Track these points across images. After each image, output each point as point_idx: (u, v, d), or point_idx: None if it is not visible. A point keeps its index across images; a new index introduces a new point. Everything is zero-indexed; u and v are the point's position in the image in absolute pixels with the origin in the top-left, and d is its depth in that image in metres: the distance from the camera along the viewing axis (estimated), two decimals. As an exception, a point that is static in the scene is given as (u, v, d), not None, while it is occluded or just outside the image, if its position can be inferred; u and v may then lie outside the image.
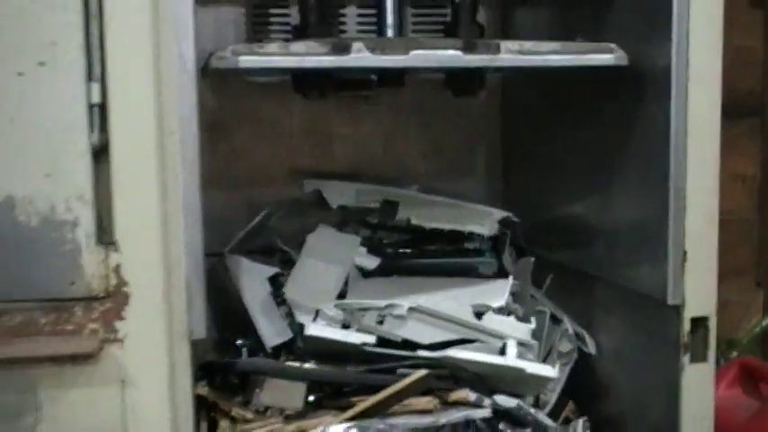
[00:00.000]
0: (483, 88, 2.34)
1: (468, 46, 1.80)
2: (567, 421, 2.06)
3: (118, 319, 1.53)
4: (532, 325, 2.02)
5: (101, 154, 1.50)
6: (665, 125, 1.74)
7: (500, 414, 1.93)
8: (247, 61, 1.68)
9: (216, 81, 2.24)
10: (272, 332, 2.04)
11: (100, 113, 1.48)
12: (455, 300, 2.03)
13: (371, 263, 2.14)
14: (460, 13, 2.24)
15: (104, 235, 1.52)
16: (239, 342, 2.05)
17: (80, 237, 1.51)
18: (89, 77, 1.47)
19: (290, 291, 2.05)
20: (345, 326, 1.98)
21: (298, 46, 1.76)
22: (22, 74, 1.46)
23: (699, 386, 1.80)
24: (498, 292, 2.07)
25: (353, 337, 1.93)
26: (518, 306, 2.08)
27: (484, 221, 2.22)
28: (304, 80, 2.23)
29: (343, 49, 1.72)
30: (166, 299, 1.56)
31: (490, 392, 1.93)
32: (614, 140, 1.94)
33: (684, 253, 1.76)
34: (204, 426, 1.85)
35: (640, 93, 1.82)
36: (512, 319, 2.02)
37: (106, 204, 1.52)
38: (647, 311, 1.88)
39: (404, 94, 2.40)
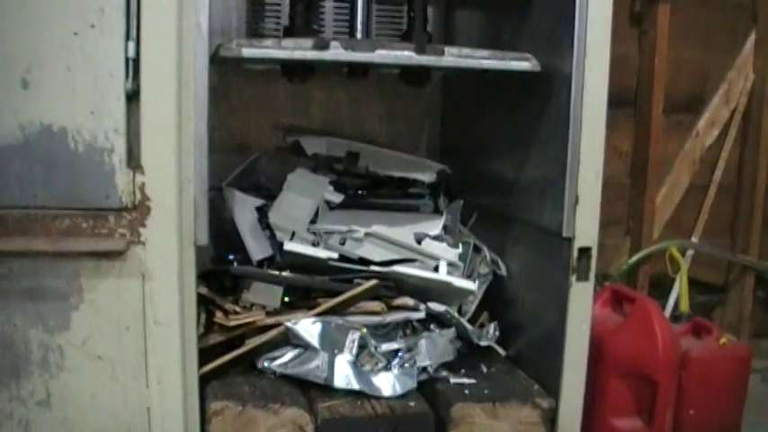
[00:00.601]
0: (429, 81, 2.42)
1: (420, 48, 1.89)
2: (482, 326, 2.16)
3: (141, 227, 1.63)
4: (459, 250, 2.13)
5: (133, 97, 1.59)
6: (567, 110, 1.84)
7: (432, 317, 2.04)
8: (248, 52, 1.78)
9: (219, 68, 2.25)
10: (257, 249, 2.11)
11: (134, 66, 1.57)
12: (401, 228, 2.13)
13: (337, 198, 2.19)
14: (414, 23, 2.28)
15: (133, 160, 1.61)
16: (231, 257, 2.11)
17: (115, 161, 1.60)
18: (127, 37, 1.56)
19: (273, 216, 2.11)
20: (315, 245, 2.07)
21: (287, 42, 1.85)
22: (77, 33, 1.55)
23: (581, 299, 1.91)
24: (434, 225, 2.18)
25: (321, 252, 2.01)
26: (449, 237, 2.18)
27: (425, 171, 2.30)
28: (290, 69, 2.30)
29: (323, 46, 1.81)
30: (178, 212, 1.64)
31: (425, 300, 2.03)
32: (528, 122, 2.03)
33: (576, 197, 1.86)
34: (203, 316, 1.94)
35: (549, 88, 1.92)
36: (444, 245, 2.12)
37: (135, 136, 1.60)
38: (546, 243, 1.98)
39: (367, 83, 2.45)
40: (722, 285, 3.26)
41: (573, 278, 1.89)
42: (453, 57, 1.89)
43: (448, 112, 2.63)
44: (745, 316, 3.24)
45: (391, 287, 2.02)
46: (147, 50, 1.57)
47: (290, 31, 2.21)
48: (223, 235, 2.14)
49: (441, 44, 2.22)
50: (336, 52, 1.80)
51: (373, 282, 1.97)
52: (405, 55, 1.87)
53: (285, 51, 1.82)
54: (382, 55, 1.85)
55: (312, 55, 1.81)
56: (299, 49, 1.81)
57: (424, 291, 2.04)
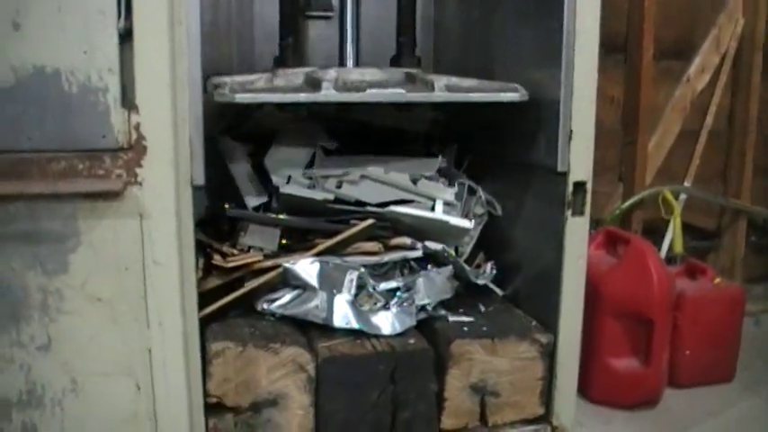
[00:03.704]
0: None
1: (410, 79, 1.93)
2: (479, 266, 2.18)
3: (137, 167, 1.61)
4: (455, 189, 2.13)
5: (126, 36, 1.57)
6: (559, 46, 1.83)
7: (428, 256, 2.04)
8: (241, 97, 1.77)
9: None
10: (253, 195, 2.10)
11: (126, 4, 1.56)
12: (396, 170, 2.12)
13: (332, 145, 2.19)
14: (404, 48, 2.33)
15: (127, 100, 1.59)
16: (227, 205, 2.07)
17: (109, 100, 1.58)
18: (118, -25, 1.54)
19: (268, 160, 2.11)
20: (311, 189, 2.06)
21: (279, 79, 1.87)
22: (68, -27, 1.53)
23: (577, 234, 1.91)
24: (430, 166, 2.18)
25: (318, 194, 2.01)
26: (444, 178, 2.18)
27: (418, 119, 2.29)
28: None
29: (314, 85, 1.83)
30: (175, 152, 1.63)
31: (422, 239, 2.03)
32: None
33: (570, 132, 1.86)
34: (201, 261, 1.93)
35: (545, 22, 1.90)
36: (440, 184, 2.13)
37: (129, 76, 1.58)
38: (541, 179, 1.98)
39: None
40: (715, 231, 3.29)
41: (568, 213, 1.89)
42: (442, 92, 1.89)
43: (438, 52, 2.62)
44: (737, 261, 3.28)
45: (387, 227, 2.02)
46: (139, -13, 1.55)
47: (280, 63, 2.26)
48: (218, 185, 2.09)
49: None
50: (328, 93, 1.80)
51: (370, 221, 1.97)
52: (396, 92, 1.88)
53: (277, 95, 1.87)
54: (373, 94, 1.86)
55: (305, 98, 1.83)
56: (291, 92, 1.84)
57: (420, 231, 2.04)
